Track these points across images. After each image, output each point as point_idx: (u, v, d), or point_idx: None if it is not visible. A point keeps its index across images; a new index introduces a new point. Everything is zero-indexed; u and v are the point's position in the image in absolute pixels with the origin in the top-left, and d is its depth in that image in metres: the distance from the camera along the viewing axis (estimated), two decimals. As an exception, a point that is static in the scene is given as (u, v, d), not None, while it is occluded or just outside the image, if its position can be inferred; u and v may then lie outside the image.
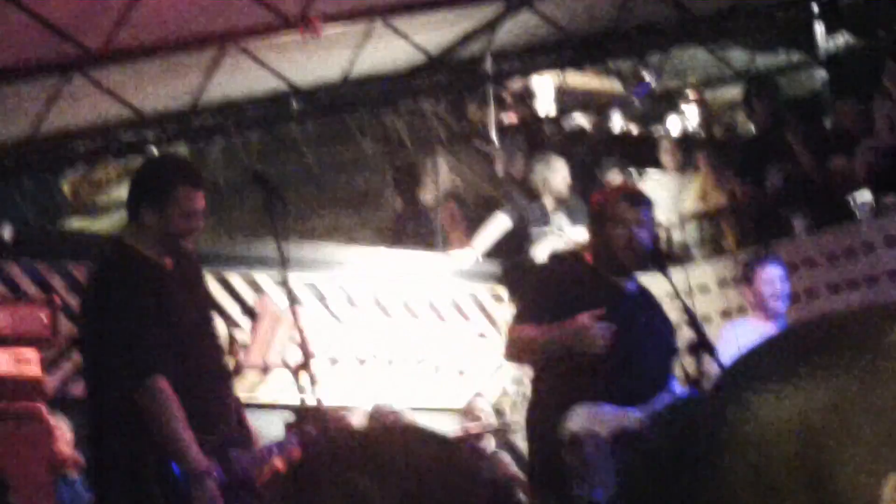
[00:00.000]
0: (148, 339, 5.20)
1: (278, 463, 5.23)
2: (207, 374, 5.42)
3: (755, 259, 8.25)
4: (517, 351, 6.14)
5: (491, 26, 11.32)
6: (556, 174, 11.20)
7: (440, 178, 11.95)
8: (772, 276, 7.90)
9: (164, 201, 5.33)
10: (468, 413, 9.92)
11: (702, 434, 1.21)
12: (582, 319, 5.71)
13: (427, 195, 12.23)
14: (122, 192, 11.20)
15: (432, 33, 11.13)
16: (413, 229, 12.15)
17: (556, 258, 10.10)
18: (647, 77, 12.86)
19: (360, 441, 2.03)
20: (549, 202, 11.17)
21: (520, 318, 6.11)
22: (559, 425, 5.66)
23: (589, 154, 12.78)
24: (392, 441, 2.02)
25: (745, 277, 8.12)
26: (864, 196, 9.85)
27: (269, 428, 7.14)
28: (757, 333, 7.52)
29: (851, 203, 9.96)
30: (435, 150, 12.57)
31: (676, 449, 1.22)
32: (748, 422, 1.17)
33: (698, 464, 1.20)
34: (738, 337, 7.66)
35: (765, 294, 7.88)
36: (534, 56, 12.41)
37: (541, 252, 10.98)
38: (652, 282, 6.42)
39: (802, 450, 1.13)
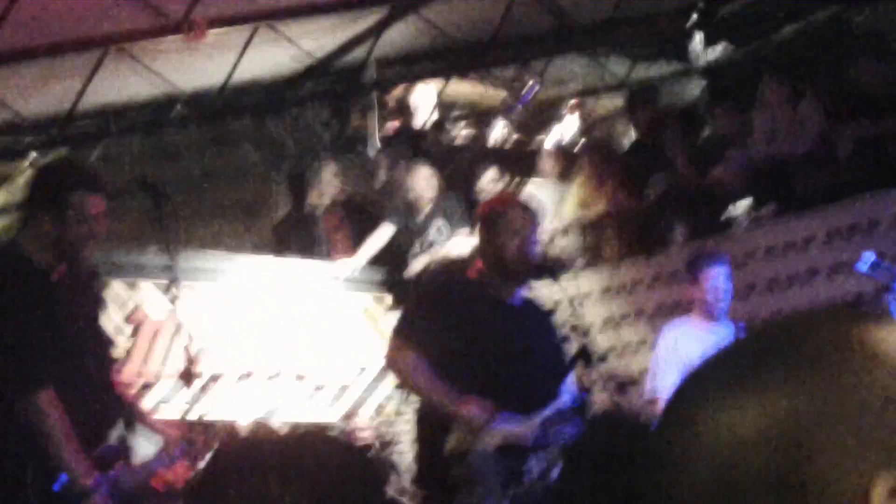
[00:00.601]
0: (34, 351, 5.08)
1: (169, 476, 5.16)
2: (91, 387, 5.31)
3: (700, 256, 8.14)
4: (398, 377, 6.16)
5: (374, 33, 11.30)
6: (420, 182, 11.20)
7: (325, 185, 11.87)
8: (717, 276, 7.79)
9: (60, 206, 5.22)
10: (351, 427, 9.88)
11: (653, 452, 1.20)
12: (467, 405, 5.68)
13: (314, 202, 12.14)
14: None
15: (316, 39, 11.08)
16: (297, 237, 12.06)
17: (438, 271, 10.11)
18: (529, 85, 12.91)
19: (273, 447, 2.02)
20: (426, 211, 11.17)
21: (403, 333, 6.02)
22: (446, 437, 5.66)
23: (470, 162, 12.79)
24: (304, 447, 2.02)
25: (690, 275, 8.02)
26: (743, 206, 9.99)
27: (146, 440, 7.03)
28: (698, 333, 7.62)
29: (731, 212, 10.09)
30: (319, 158, 12.50)
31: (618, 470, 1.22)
32: (704, 438, 1.15)
33: (650, 486, 1.19)
34: (678, 337, 7.71)
35: (709, 294, 7.78)
36: (417, 63, 12.42)
37: (420, 263, 10.98)
38: (538, 291, 6.45)
39: (771, 461, 1.10)
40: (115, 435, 5.35)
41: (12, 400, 5.05)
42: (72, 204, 5.21)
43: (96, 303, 5.77)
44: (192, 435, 5.61)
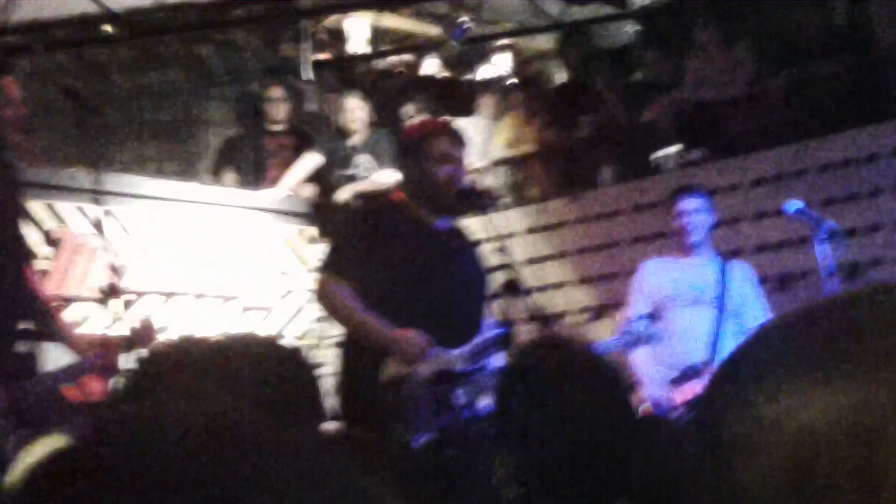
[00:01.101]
0: None
1: (84, 388, 5.11)
2: (6, 286, 5.22)
3: (675, 189, 7.99)
4: (327, 309, 6.01)
5: (310, -41, 11.19)
6: (349, 111, 11.12)
7: (273, 107, 11.73)
8: (686, 207, 7.62)
9: None
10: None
11: (707, 432, 1.11)
12: (405, 335, 5.64)
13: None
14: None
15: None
16: (241, 159, 11.95)
17: (363, 200, 10.05)
18: (463, 21, 12.83)
19: (206, 347, 1.98)
20: (352, 140, 11.10)
21: (331, 265, 5.94)
22: (380, 367, 5.62)
23: (399, 95, 12.71)
24: (237, 348, 1.98)
25: (668, 208, 7.89)
26: (672, 149, 10.02)
27: (64, 358, 6.95)
28: (672, 266, 7.58)
29: (659, 155, 10.12)
30: (248, 83, 12.38)
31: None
32: (766, 423, 1.07)
33: (707, 468, 1.10)
34: (649, 270, 7.66)
35: (680, 225, 7.62)
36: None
37: (346, 193, 10.93)
38: (463, 224, 6.41)
39: (845, 454, 1.02)
40: (25, 341, 5.25)
41: None
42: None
43: (16, 207, 5.65)
44: (106, 350, 5.54)
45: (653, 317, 7.45)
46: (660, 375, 7.37)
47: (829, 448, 1.04)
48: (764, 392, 1.08)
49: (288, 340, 10.10)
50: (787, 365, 1.08)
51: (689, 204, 7.62)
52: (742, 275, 7.62)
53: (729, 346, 7.15)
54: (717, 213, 7.94)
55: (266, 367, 1.97)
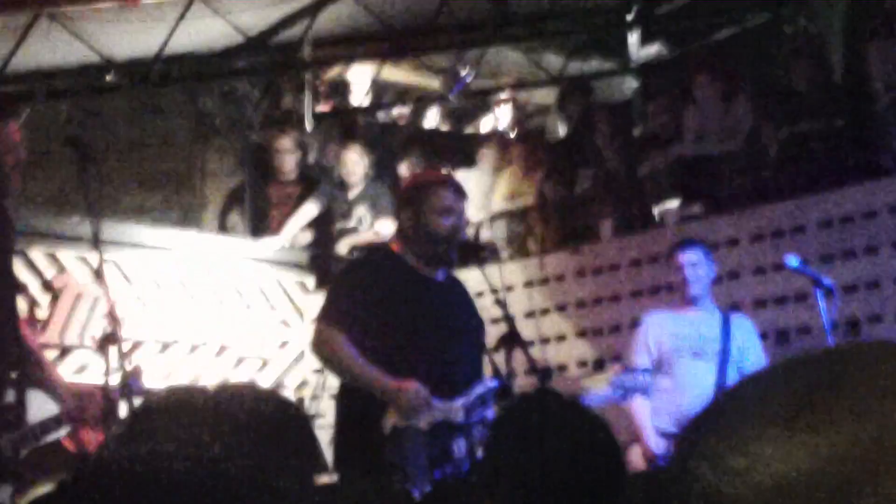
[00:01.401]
0: None
1: (81, 437, 5.10)
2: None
3: (676, 241, 8.10)
4: (326, 361, 5.97)
5: (311, 12, 11.23)
6: (349, 163, 11.16)
7: (282, 157, 11.79)
8: (687, 260, 7.70)
9: None
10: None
11: (677, 483, 1.10)
12: (405, 386, 5.63)
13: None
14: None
15: (251, 14, 10.99)
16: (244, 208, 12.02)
17: (364, 252, 10.06)
18: (464, 74, 12.89)
19: (203, 397, 1.98)
20: (351, 193, 11.14)
21: (329, 315, 5.89)
22: (381, 418, 5.61)
23: (400, 147, 12.76)
24: (234, 398, 1.98)
25: (669, 260, 7.99)
26: (670, 203, 10.05)
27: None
28: (673, 318, 7.66)
29: (658, 210, 10.15)
30: (249, 134, 12.44)
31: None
32: (738, 474, 1.06)
33: None
34: (651, 323, 7.73)
35: (680, 277, 7.71)
36: (352, 45, 12.36)
37: (346, 245, 10.96)
38: (462, 277, 6.41)
39: (826, 502, 1.02)
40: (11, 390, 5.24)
41: None
42: None
43: (9, 250, 5.65)
44: (91, 398, 5.52)
45: (649, 371, 7.47)
46: (663, 428, 7.41)
47: (805, 499, 1.03)
48: (735, 444, 1.08)
49: (286, 391, 10.09)
50: (760, 417, 1.08)
51: (690, 257, 7.70)
52: (743, 328, 7.69)
53: None
54: (717, 267, 7.97)
55: (263, 416, 1.97)
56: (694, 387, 7.38)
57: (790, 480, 1.04)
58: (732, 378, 7.42)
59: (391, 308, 5.84)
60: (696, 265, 7.68)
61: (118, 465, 1.05)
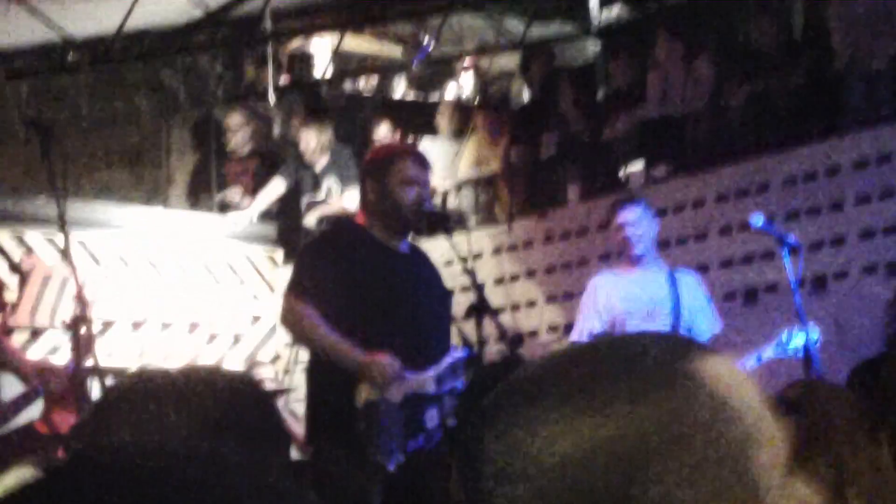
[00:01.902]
0: None
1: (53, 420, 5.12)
2: None
3: (614, 200, 7.78)
4: (294, 333, 5.99)
5: (271, -17, 11.20)
6: (312, 137, 11.14)
7: (233, 133, 11.79)
8: (627, 219, 7.35)
9: None
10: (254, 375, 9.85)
11: (463, 470, 1.16)
12: (376, 359, 5.63)
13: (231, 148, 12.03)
14: None
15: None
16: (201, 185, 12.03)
17: (328, 223, 10.07)
18: (425, 42, 12.89)
19: (166, 380, 2.00)
20: (317, 166, 11.13)
21: (296, 288, 5.87)
22: (353, 390, 5.62)
23: (366, 118, 12.75)
24: (197, 379, 2.00)
25: (609, 222, 7.67)
26: (635, 166, 10.08)
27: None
28: (620, 280, 7.42)
29: (623, 172, 10.18)
30: (224, 106, 12.40)
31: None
32: (523, 449, 1.12)
33: (465, 491, 1.16)
34: (598, 286, 7.48)
35: (621, 236, 7.40)
36: (313, 17, 12.33)
37: (314, 217, 10.96)
38: (428, 248, 6.42)
39: (599, 483, 1.08)
40: None
41: None
42: None
43: None
44: (52, 374, 5.53)
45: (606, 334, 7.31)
46: None
47: (587, 477, 1.09)
48: (522, 423, 1.13)
49: (260, 365, 10.10)
50: (548, 398, 1.14)
51: (630, 214, 7.40)
52: (691, 284, 7.48)
53: None
54: (684, 228, 7.99)
55: (228, 395, 1.99)
56: None
57: (572, 458, 1.10)
58: None
59: (358, 280, 5.84)
60: (635, 224, 7.35)
61: (92, 454, 1.06)
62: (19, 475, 2.97)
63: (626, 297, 7.33)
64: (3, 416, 5.35)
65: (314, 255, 6.06)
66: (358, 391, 5.61)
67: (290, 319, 5.88)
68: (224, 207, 11.68)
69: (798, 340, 6.91)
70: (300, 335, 5.95)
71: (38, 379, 5.54)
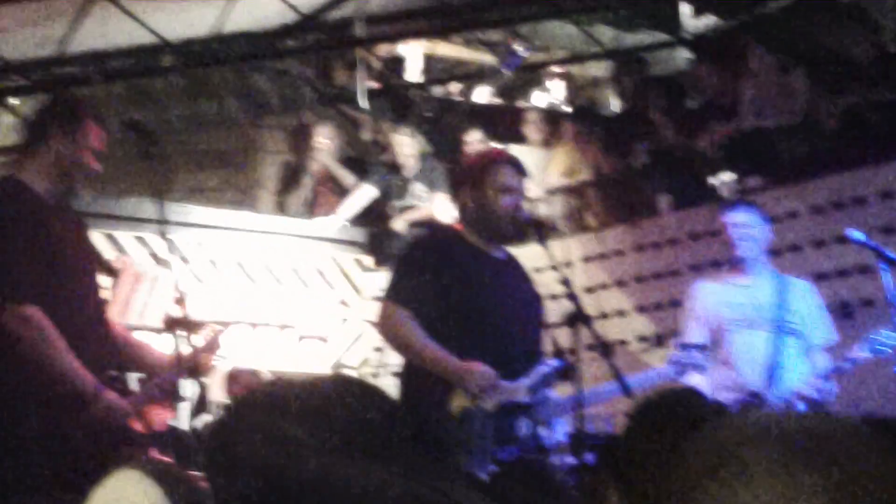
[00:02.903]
0: (21, 269, 5.02)
1: (148, 417, 5.13)
2: (90, 320, 5.27)
3: (724, 203, 7.62)
4: (391, 340, 5.91)
5: (364, -12, 11.22)
6: (403, 143, 11.17)
7: (320, 139, 11.84)
8: (733, 220, 7.22)
9: (75, 129, 5.24)
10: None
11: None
12: (473, 368, 5.60)
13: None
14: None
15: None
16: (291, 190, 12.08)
17: (426, 230, 10.06)
18: (517, 48, 12.85)
19: (292, 391, 1.98)
20: (407, 171, 11.15)
21: (394, 295, 5.84)
22: (448, 398, 5.59)
23: (454, 124, 12.75)
24: (323, 390, 1.99)
25: (718, 229, 7.50)
26: (727, 176, 9.98)
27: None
28: (724, 288, 7.28)
29: (715, 183, 10.08)
30: (302, 113, 12.46)
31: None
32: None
33: None
34: (700, 294, 7.37)
35: (729, 240, 7.25)
36: (404, 23, 12.34)
37: (401, 223, 10.98)
38: (520, 254, 6.38)
39: None
40: (108, 368, 5.29)
41: None
42: (83, 129, 5.23)
43: (88, 242, 5.71)
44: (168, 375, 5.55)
45: (706, 346, 7.15)
46: (724, 403, 7.17)
47: None
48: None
49: (346, 369, 10.13)
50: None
51: (736, 217, 7.26)
52: (802, 292, 7.31)
53: (791, 368, 7.04)
54: (775, 240, 7.87)
55: (354, 407, 1.97)
56: (749, 359, 7.10)
57: None
58: (792, 346, 7.12)
59: (455, 287, 5.81)
60: (744, 225, 7.21)
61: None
62: (122, 478, 2.97)
63: (728, 304, 7.20)
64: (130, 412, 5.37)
65: (412, 262, 6.01)
66: (451, 399, 5.59)
67: (386, 325, 5.85)
68: (311, 207, 11.72)
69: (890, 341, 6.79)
70: (395, 341, 5.89)
71: (162, 376, 5.57)
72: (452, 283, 5.80)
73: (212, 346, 5.69)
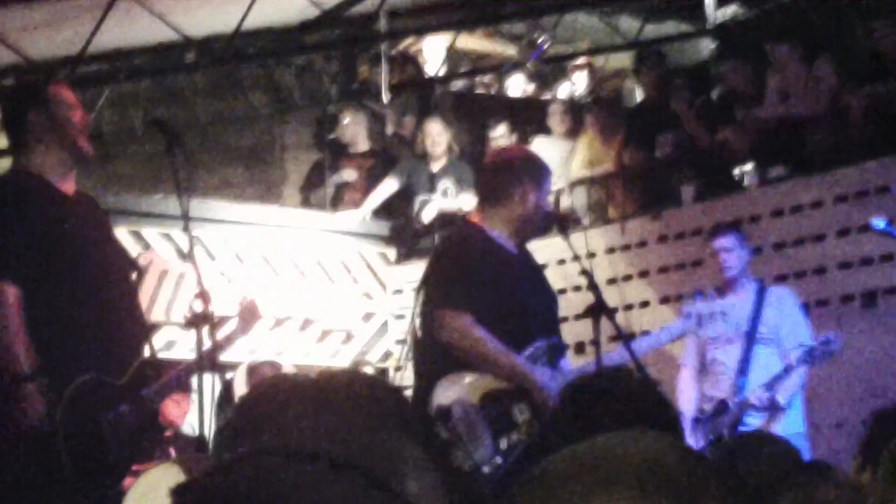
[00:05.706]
0: (7, 248, 5.05)
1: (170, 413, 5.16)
2: (115, 315, 5.28)
3: (711, 229, 8.42)
4: (457, 348, 5.59)
5: (386, -18, 11.25)
6: (430, 136, 11.17)
7: (348, 132, 11.88)
8: (721, 246, 7.95)
9: (42, 103, 5.23)
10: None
11: None
12: (539, 377, 5.58)
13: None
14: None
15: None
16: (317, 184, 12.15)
17: (452, 229, 10.05)
18: (540, 40, 12.85)
19: (306, 385, 1.99)
20: (434, 165, 11.16)
21: (452, 301, 5.63)
22: (427, 398, 5.53)
23: (480, 117, 12.75)
24: (337, 384, 1.99)
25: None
26: (751, 166, 9.96)
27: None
28: (712, 308, 7.19)
29: (739, 173, 10.07)
30: (325, 107, 12.49)
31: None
32: None
33: None
34: (700, 311, 7.45)
35: (715, 261, 7.97)
36: (426, 16, 12.36)
37: (427, 216, 10.98)
38: (540, 246, 6.37)
39: None
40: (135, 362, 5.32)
41: None
42: (51, 96, 5.23)
43: (110, 235, 5.74)
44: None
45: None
46: (692, 412, 7.56)
47: None
48: None
49: (364, 364, 10.16)
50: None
51: (723, 243, 7.92)
52: (779, 300, 7.78)
53: (756, 376, 7.53)
54: (801, 229, 7.92)
55: (368, 402, 1.97)
56: (723, 370, 7.70)
57: None
58: (762, 357, 7.60)
59: (492, 286, 5.73)
60: (730, 251, 7.87)
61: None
62: (159, 474, 3.02)
63: (713, 324, 7.38)
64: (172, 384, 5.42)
65: (458, 262, 5.86)
66: (430, 398, 5.48)
67: (452, 332, 5.61)
68: (339, 190, 11.74)
69: None
70: (462, 348, 5.61)
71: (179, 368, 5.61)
72: (494, 283, 5.73)
73: (252, 313, 5.73)
